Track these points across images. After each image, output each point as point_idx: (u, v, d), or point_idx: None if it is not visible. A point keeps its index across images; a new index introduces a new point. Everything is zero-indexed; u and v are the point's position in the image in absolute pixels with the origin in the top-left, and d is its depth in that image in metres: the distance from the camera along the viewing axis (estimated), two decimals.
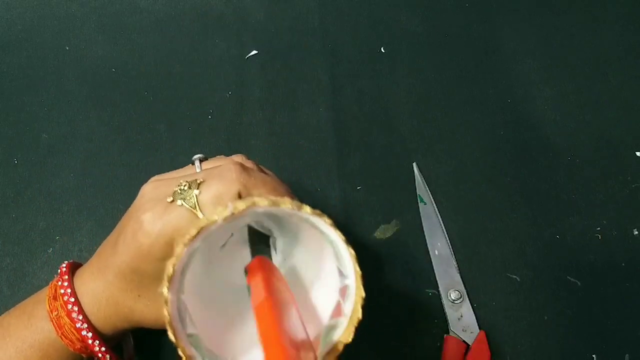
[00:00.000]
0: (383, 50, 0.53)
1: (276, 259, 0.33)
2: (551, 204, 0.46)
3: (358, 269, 0.28)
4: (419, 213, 0.46)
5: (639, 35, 0.54)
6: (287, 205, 0.26)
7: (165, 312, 0.24)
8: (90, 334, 0.32)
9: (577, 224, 0.46)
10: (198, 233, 0.25)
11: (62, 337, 0.32)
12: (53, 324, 0.32)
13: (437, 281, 0.43)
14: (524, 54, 0.53)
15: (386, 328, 0.42)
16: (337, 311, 0.29)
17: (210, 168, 0.32)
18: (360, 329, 0.42)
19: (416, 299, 0.43)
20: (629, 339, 0.42)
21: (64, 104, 0.50)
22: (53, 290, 0.33)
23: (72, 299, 0.32)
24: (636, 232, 0.45)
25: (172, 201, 0.30)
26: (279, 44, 0.53)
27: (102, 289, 0.32)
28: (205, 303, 0.29)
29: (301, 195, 0.47)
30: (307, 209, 0.26)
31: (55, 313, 0.32)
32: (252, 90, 0.51)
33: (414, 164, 0.48)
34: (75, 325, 0.32)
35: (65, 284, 0.33)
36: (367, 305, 0.43)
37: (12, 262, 0.44)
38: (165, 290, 0.24)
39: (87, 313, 0.32)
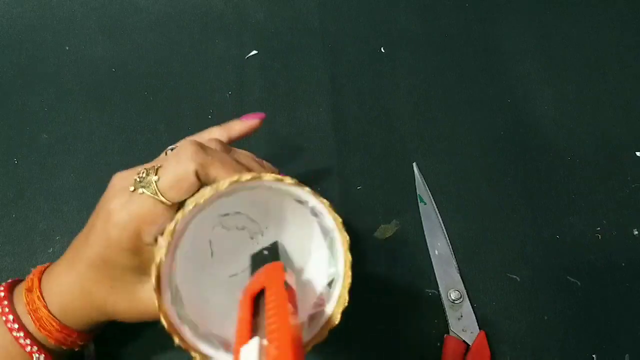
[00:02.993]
0: (383, 50, 0.53)
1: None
2: (551, 204, 0.46)
3: (349, 256, 0.28)
4: (419, 213, 0.46)
5: (638, 35, 0.54)
6: (268, 177, 0.26)
7: (155, 278, 0.25)
8: (35, 348, 0.32)
9: (577, 224, 0.46)
10: (193, 210, 0.26)
11: (40, 328, 0.32)
12: (30, 316, 0.32)
13: (437, 281, 0.43)
14: (524, 54, 0.53)
15: (386, 328, 0.42)
16: (324, 297, 0.29)
17: (170, 154, 0.32)
18: (360, 329, 0.42)
19: (416, 299, 0.43)
20: (629, 339, 0.42)
21: (64, 104, 0.50)
22: (29, 283, 0.33)
23: (12, 317, 0.32)
24: (636, 232, 0.46)
25: (134, 190, 0.30)
26: (279, 44, 0.53)
27: (74, 281, 0.32)
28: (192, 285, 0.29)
29: None
30: (288, 179, 0.27)
31: (31, 305, 0.32)
32: (252, 90, 0.51)
33: (414, 164, 0.48)
34: (12, 334, 0.32)
35: (5, 302, 0.33)
36: (368, 305, 0.43)
37: (12, 262, 0.44)
38: (162, 252, 0.25)
39: (60, 307, 0.33)
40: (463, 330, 0.41)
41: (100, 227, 0.31)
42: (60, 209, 0.46)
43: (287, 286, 0.26)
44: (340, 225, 0.28)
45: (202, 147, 0.31)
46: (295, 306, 0.26)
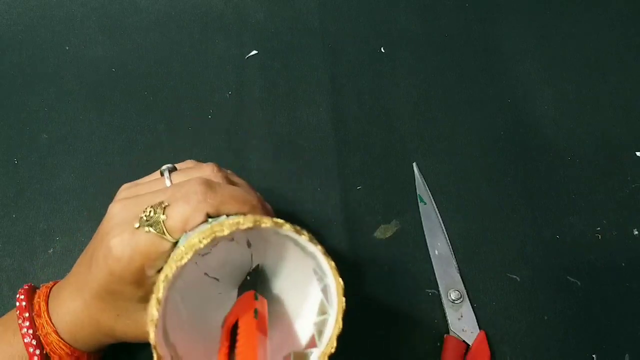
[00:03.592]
0: (383, 50, 0.53)
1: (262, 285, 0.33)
2: (551, 204, 0.46)
3: (342, 302, 0.28)
4: (419, 213, 0.46)
5: (638, 35, 0.54)
6: (267, 224, 0.26)
7: (155, 357, 0.25)
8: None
9: (577, 224, 0.46)
10: (178, 269, 0.25)
11: (51, 353, 0.32)
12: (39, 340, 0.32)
13: (437, 281, 0.43)
14: (524, 54, 0.53)
15: (386, 328, 0.42)
16: (313, 342, 0.29)
17: (175, 188, 0.31)
18: (360, 329, 0.42)
19: (416, 299, 0.43)
20: (629, 339, 0.42)
21: (64, 104, 0.50)
22: (37, 307, 0.33)
23: (31, 332, 0.32)
24: (636, 232, 0.46)
25: (139, 227, 0.30)
26: (279, 44, 0.53)
27: (81, 309, 0.32)
28: (183, 326, 0.29)
29: (301, 195, 0.47)
30: (286, 226, 0.26)
31: (40, 330, 0.32)
32: (252, 90, 0.51)
33: (414, 164, 0.48)
34: (29, 350, 0.32)
35: (26, 314, 0.33)
36: (368, 305, 0.43)
37: (12, 263, 0.44)
38: (152, 335, 0.24)
39: (69, 333, 0.32)
40: (463, 330, 0.41)
41: (103, 261, 0.30)
42: (60, 209, 0.46)
43: (257, 314, 0.25)
44: (335, 271, 0.27)
45: (211, 186, 0.30)
46: (264, 333, 0.26)
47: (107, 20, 0.54)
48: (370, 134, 0.49)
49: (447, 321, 0.42)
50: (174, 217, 0.29)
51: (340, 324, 0.28)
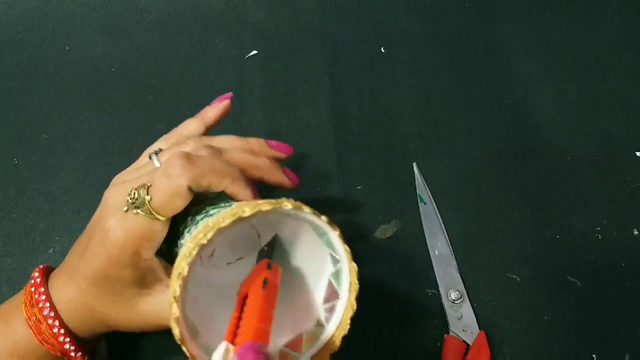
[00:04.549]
0: (383, 50, 0.53)
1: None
2: (551, 204, 0.46)
3: (356, 283, 0.28)
4: (419, 213, 0.46)
5: (638, 35, 0.54)
6: (288, 205, 0.26)
7: (177, 332, 0.25)
8: (68, 339, 0.32)
9: (577, 224, 0.46)
10: (198, 252, 0.25)
11: (43, 342, 0.32)
12: (32, 330, 0.32)
13: (437, 281, 0.43)
14: (524, 54, 0.53)
15: (386, 328, 0.42)
16: (324, 318, 0.29)
17: (157, 167, 0.32)
18: (360, 329, 0.42)
19: (416, 299, 0.43)
20: (629, 339, 0.42)
21: (64, 104, 0.50)
22: (29, 297, 0.33)
23: (48, 305, 0.32)
24: (636, 232, 0.46)
25: (127, 210, 0.30)
26: (279, 44, 0.53)
27: (76, 296, 0.32)
28: (200, 302, 0.29)
29: (301, 195, 0.47)
30: (306, 209, 0.27)
31: (34, 319, 0.32)
32: (252, 90, 0.51)
33: (414, 164, 0.48)
34: (53, 331, 0.32)
35: (42, 289, 0.32)
36: (368, 305, 0.43)
37: (12, 263, 0.44)
38: (175, 310, 0.25)
39: (63, 319, 0.32)
40: (463, 330, 0.41)
41: (99, 245, 0.31)
42: (60, 209, 0.46)
43: (266, 285, 0.26)
44: (350, 255, 0.28)
45: (189, 159, 0.30)
46: (272, 304, 0.26)
47: (107, 20, 0.54)
48: (370, 134, 0.49)
49: (447, 321, 0.42)
50: (157, 195, 0.29)
51: (354, 306, 0.28)
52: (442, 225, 0.45)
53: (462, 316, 0.42)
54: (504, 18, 0.55)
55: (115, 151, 0.48)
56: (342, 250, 0.28)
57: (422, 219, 0.46)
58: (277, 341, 0.29)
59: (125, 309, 0.32)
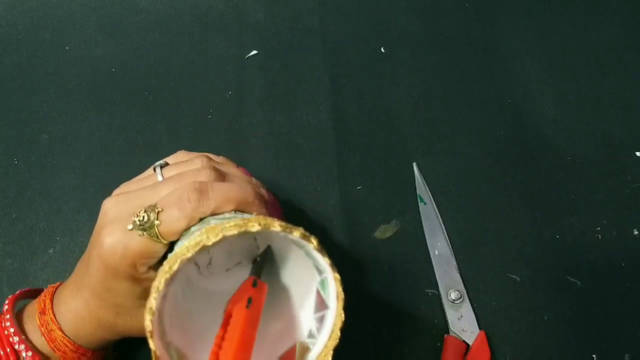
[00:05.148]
0: (383, 50, 0.53)
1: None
2: (551, 204, 0.46)
3: (341, 293, 0.28)
4: (419, 213, 0.46)
5: (638, 35, 0.54)
6: (255, 227, 0.25)
7: (152, 345, 0.25)
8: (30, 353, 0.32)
9: (577, 224, 0.46)
10: (175, 272, 0.25)
11: (55, 349, 0.32)
12: (45, 338, 0.32)
13: (437, 281, 0.43)
14: (524, 54, 0.53)
15: (386, 328, 0.42)
16: (314, 331, 0.29)
17: (169, 189, 0.31)
18: (360, 329, 0.42)
19: (416, 299, 0.43)
20: (629, 339, 0.42)
21: (64, 104, 0.50)
22: (42, 305, 0.33)
23: (14, 332, 0.32)
24: (636, 232, 0.46)
25: (133, 229, 0.30)
26: (279, 44, 0.53)
27: (82, 307, 0.33)
28: (182, 315, 0.29)
29: (301, 195, 0.47)
30: (296, 232, 0.26)
31: (45, 327, 0.33)
32: (252, 90, 0.51)
33: (414, 164, 0.48)
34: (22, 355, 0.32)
35: (7, 316, 0.33)
36: (368, 305, 0.43)
37: (12, 263, 0.44)
38: (148, 324, 0.25)
39: (73, 330, 0.33)
40: (463, 330, 0.41)
41: (97, 258, 0.31)
42: (60, 209, 0.46)
43: (250, 304, 0.25)
44: (332, 266, 0.27)
45: (203, 192, 0.30)
46: (254, 325, 0.25)
47: (107, 20, 0.54)
48: (370, 134, 0.49)
49: (447, 321, 0.42)
50: (167, 223, 0.29)
51: (342, 316, 0.28)
52: (442, 225, 0.45)
53: (462, 316, 0.42)
54: (504, 18, 0.55)
55: (115, 151, 0.48)
56: (322, 262, 0.27)
57: (422, 219, 0.46)
58: (274, 352, 0.29)
59: (130, 318, 0.33)
